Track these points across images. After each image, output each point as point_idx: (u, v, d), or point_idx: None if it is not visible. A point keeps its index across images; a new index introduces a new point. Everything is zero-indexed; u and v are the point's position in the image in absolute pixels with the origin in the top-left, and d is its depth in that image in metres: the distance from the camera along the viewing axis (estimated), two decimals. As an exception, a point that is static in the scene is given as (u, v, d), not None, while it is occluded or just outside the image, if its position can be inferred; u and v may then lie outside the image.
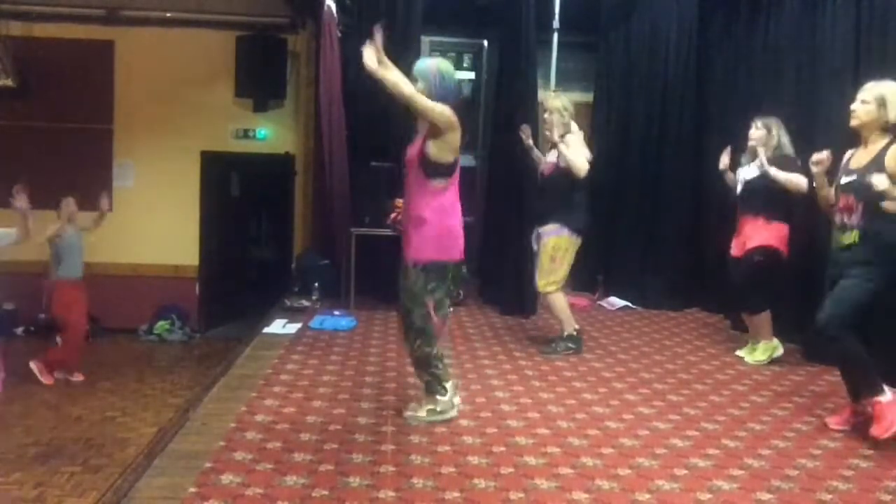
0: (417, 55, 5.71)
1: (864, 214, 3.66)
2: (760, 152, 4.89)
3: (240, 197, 10.10)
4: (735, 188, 5.23)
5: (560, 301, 5.18)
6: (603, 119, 7.61)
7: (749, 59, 6.23)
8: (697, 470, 3.24)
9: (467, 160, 8.13)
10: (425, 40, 7.30)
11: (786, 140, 4.96)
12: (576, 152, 5.02)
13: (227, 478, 2.99)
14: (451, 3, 7.16)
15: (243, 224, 10.50)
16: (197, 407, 3.90)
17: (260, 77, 8.57)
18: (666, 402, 4.18)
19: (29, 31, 8.50)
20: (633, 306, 6.93)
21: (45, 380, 6.96)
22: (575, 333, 5.23)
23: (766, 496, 3.00)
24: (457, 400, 3.87)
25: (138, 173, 8.90)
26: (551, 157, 5.23)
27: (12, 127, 8.63)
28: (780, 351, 5.15)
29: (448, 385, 3.80)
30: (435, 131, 3.58)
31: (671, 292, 6.92)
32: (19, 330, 8.60)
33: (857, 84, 4.20)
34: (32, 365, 6.95)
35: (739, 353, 5.32)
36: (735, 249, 5.15)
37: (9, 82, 8.31)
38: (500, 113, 6.98)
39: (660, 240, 7.05)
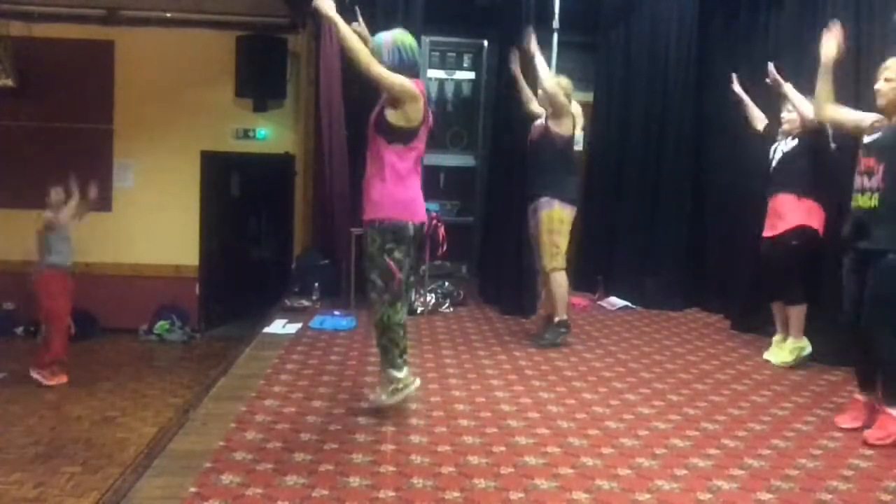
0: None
1: (884, 177, 3.57)
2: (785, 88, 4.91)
3: (240, 197, 10.09)
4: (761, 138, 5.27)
5: (563, 282, 5.23)
6: (603, 119, 7.61)
7: (749, 59, 6.22)
8: (697, 470, 3.24)
9: (467, 160, 8.15)
10: (425, 40, 7.30)
11: None
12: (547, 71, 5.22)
13: (227, 478, 2.99)
14: (451, 3, 7.16)
15: (243, 224, 10.49)
16: (197, 407, 3.90)
17: (260, 77, 8.57)
18: (666, 402, 4.18)
19: (29, 31, 8.48)
20: (633, 306, 6.93)
21: (53, 381, 6.91)
22: (565, 318, 5.29)
23: (766, 496, 3.00)
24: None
25: (138, 173, 8.89)
26: (540, 120, 5.27)
27: (12, 127, 8.62)
28: (808, 350, 4.93)
29: (406, 358, 3.72)
30: (393, 102, 3.58)
31: (671, 292, 6.92)
32: (19, 330, 8.59)
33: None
34: (33, 374, 6.89)
35: (767, 355, 5.10)
36: (768, 229, 4.95)
37: (9, 82, 8.31)
38: (500, 113, 6.98)
39: (660, 240, 7.05)
